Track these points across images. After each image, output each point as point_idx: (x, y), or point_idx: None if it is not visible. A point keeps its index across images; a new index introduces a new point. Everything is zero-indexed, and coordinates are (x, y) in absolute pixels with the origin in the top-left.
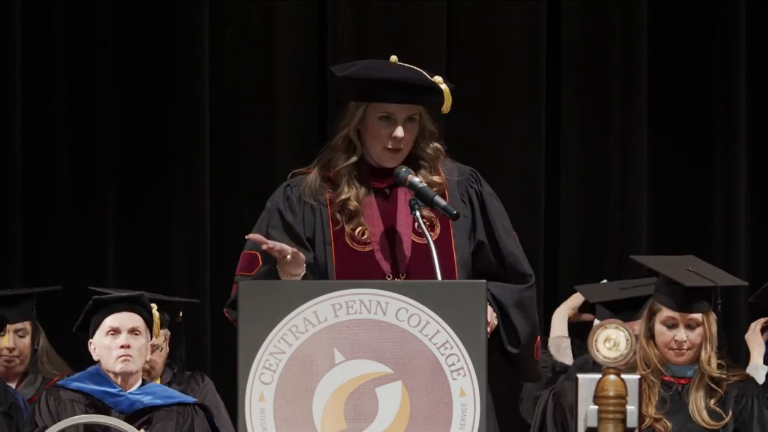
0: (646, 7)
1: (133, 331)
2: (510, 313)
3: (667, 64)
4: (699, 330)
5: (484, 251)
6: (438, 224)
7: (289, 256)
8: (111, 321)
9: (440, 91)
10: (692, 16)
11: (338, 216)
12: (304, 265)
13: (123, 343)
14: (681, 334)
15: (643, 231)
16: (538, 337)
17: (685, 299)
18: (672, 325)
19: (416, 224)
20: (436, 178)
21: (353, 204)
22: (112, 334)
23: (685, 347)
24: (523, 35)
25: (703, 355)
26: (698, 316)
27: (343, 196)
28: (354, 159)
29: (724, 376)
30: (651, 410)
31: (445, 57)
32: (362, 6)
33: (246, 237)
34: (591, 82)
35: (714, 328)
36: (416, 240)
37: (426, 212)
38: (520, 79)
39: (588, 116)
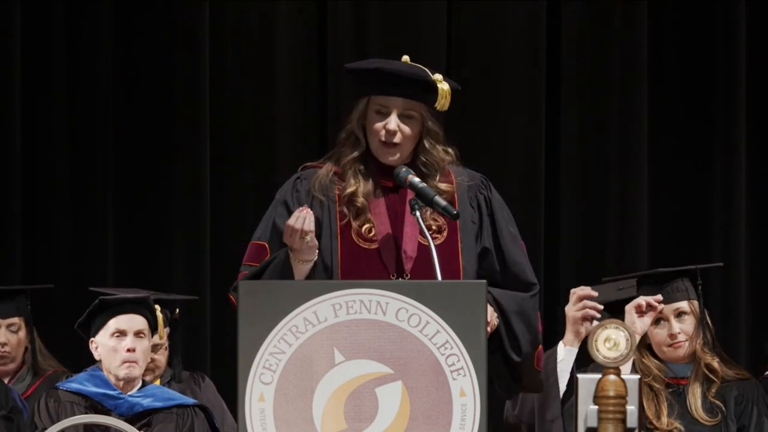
0: (646, 7)
1: (138, 334)
2: (511, 319)
3: (667, 64)
4: (690, 319)
5: (489, 258)
6: (446, 228)
7: (308, 237)
8: (117, 323)
9: (432, 86)
10: (693, 16)
11: (345, 210)
12: (317, 251)
13: (129, 346)
14: (674, 326)
15: (643, 231)
16: (540, 346)
17: (665, 290)
18: (661, 320)
19: (420, 226)
20: (443, 185)
21: (360, 201)
22: (117, 336)
23: (681, 338)
24: (523, 35)
25: (699, 342)
26: (684, 304)
27: (349, 189)
28: (357, 153)
29: (713, 361)
30: (664, 420)
31: (445, 57)
32: (362, 6)
33: (300, 209)
34: (591, 82)
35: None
36: (423, 242)
37: (434, 216)
38: (520, 79)
39: (588, 116)
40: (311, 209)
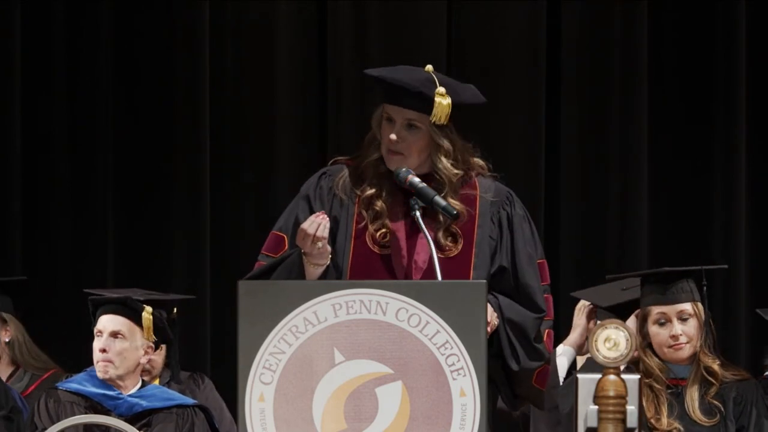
0: (646, 7)
1: (114, 335)
2: (508, 327)
3: (667, 64)
4: (692, 322)
5: (506, 277)
6: (461, 239)
7: (320, 244)
8: (99, 323)
9: (427, 99)
10: (693, 16)
11: (364, 213)
12: (329, 256)
13: (100, 346)
14: (676, 328)
15: (643, 231)
16: (545, 366)
17: (669, 290)
18: (664, 321)
19: (437, 234)
20: (456, 202)
21: (379, 204)
22: (98, 336)
23: (682, 340)
24: (523, 35)
25: (699, 345)
26: (687, 306)
27: (369, 192)
28: (377, 156)
29: (714, 363)
30: (664, 421)
31: (445, 57)
32: (362, 6)
33: (317, 214)
34: (591, 82)
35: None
36: (437, 254)
37: (451, 225)
38: (520, 79)
39: (588, 116)
40: (332, 207)
